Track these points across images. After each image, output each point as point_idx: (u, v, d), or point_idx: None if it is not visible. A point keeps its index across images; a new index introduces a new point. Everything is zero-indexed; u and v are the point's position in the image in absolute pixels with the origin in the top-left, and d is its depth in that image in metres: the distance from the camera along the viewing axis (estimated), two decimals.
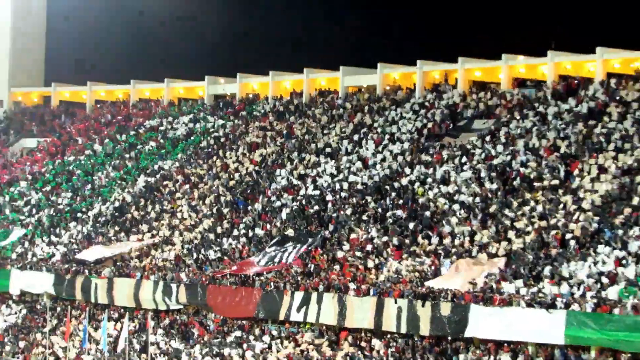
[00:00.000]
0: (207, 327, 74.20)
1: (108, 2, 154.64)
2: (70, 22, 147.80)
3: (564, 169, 71.31)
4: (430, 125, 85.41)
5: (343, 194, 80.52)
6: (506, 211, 69.09)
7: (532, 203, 69.18)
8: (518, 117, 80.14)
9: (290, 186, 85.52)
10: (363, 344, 65.22)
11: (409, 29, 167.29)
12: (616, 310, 53.53)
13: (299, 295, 67.82)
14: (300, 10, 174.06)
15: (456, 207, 71.91)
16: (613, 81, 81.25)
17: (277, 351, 68.06)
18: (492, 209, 70.68)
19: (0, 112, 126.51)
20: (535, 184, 71.72)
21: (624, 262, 58.14)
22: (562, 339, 55.45)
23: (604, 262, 59.36)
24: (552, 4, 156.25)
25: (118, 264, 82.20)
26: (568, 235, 63.47)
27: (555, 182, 70.47)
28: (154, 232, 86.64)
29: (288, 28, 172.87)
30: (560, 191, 69.01)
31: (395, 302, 63.23)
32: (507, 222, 67.51)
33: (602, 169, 68.38)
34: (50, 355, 78.62)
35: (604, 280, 56.92)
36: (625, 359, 53.16)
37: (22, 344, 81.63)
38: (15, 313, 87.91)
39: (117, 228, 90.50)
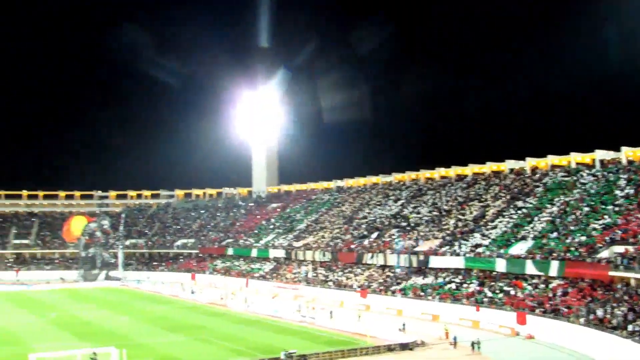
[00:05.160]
0: (337, 266, 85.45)
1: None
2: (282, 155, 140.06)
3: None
4: None
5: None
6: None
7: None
8: None
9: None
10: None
11: None
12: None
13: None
14: None
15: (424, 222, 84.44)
16: None
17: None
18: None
19: (264, 195, 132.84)
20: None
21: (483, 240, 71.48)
22: (464, 265, 66.46)
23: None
24: None
25: (308, 245, 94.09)
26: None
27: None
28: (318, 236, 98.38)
29: None
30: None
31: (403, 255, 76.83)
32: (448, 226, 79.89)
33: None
34: (283, 277, 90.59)
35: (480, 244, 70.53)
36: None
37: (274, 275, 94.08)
38: (271, 264, 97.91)
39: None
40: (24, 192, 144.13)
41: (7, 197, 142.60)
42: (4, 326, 60.64)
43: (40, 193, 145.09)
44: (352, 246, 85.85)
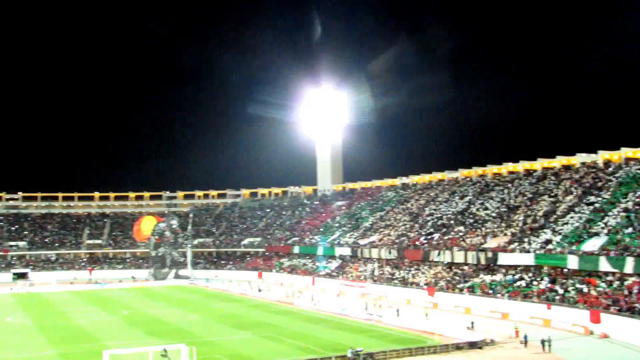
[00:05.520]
0: (403, 263, 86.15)
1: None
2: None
3: None
4: None
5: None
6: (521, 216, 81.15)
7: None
8: None
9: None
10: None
11: None
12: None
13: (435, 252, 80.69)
14: None
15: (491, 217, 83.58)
16: None
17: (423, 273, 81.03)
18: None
19: (330, 193, 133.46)
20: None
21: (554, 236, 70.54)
22: (534, 261, 65.37)
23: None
24: None
25: (374, 243, 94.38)
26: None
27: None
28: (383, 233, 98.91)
29: None
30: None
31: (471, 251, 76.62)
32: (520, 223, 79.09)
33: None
34: (349, 275, 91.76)
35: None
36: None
37: (340, 273, 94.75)
38: (337, 262, 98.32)
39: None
40: (96, 194, 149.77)
41: (80, 198, 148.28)
42: (79, 324, 62.56)
43: (112, 194, 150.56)
44: (418, 243, 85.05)
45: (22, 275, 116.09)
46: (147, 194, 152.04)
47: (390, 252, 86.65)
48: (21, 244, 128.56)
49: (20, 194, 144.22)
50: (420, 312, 64.65)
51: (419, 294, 73.71)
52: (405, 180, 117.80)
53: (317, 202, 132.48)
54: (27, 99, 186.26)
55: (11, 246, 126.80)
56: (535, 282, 63.18)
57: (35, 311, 73.43)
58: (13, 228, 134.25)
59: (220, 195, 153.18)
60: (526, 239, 69.52)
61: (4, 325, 62.79)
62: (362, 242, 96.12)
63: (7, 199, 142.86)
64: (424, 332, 53.28)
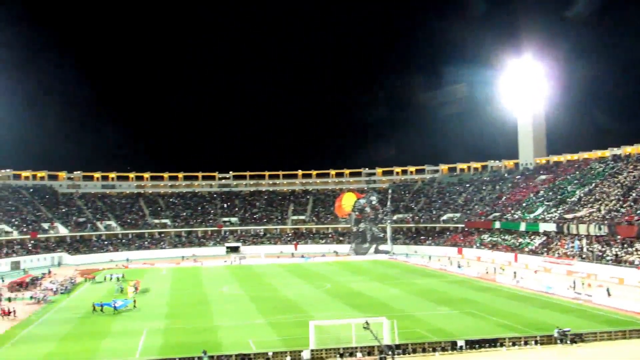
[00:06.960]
0: (615, 240, 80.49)
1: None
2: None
3: None
4: None
5: None
6: None
7: None
8: None
9: None
10: None
11: None
12: None
13: None
14: None
15: None
16: None
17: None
18: None
19: (532, 167, 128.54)
20: None
21: None
22: None
23: None
24: None
25: (581, 219, 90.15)
26: None
27: None
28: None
29: None
30: None
31: None
32: None
33: None
34: (555, 252, 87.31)
35: None
36: None
37: (544, 250, 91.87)
38: (541, 238, 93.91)
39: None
40: (299, 172, 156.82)
41: (285, 176, 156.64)
42: (285, 295, 66.00)
43: (313, 172, 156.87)
44: (631, 219, 78.82)
45: (234, 249, 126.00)
46: (347, 171, 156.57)
47: (600, 228, 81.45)
48: (233, 219, 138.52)
49: (231, 173, 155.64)
50: (634, 292, 60.57)
51: (633, 273, 68.76)
52: (616, 151, 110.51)
53: (519, 176, 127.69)
54: (243, 93, 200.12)
55: (224, 222, 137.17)
56: None
57: (246, 282, 78.18)
58: (225, 205, 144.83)
59: (419, 171, 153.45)
60: None
61: (221, 295, 67.82)
62: (568, 217, 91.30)
63: (220, 178, 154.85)
64: (639, 313, 49.87)
